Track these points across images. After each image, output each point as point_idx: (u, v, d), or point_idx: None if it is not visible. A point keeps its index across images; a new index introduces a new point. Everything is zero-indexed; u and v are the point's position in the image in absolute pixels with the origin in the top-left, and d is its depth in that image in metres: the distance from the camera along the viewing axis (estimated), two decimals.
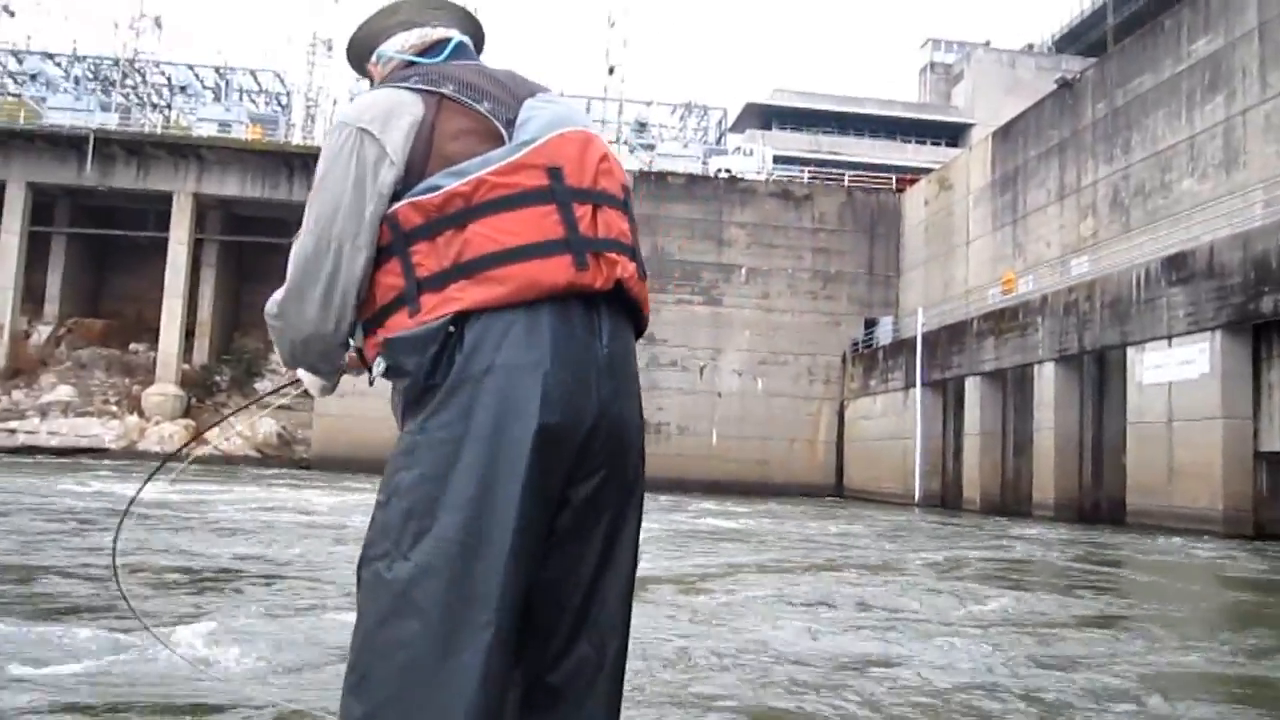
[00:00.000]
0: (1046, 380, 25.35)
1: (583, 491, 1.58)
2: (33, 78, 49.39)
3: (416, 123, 1.63)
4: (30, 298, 44.65)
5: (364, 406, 36.21)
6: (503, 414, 1.50)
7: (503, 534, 1.49)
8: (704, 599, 7.31)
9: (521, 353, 1.52)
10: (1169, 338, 20.84)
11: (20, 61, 50.84)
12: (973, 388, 29.21)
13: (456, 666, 1.46)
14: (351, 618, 1.60)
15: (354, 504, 16.40)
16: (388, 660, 1.48)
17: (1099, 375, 24.79)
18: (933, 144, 55.94)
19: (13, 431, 38.46)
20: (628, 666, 1.75)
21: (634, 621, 1.74)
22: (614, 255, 1.63)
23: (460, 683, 1.46)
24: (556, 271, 1.56)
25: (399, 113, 1.63)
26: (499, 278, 1.54)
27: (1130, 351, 22.11)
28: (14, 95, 48.68)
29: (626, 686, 1.81)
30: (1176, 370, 20.55)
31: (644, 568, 8.54)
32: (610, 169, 1.69)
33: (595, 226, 1.61)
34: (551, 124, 1.65)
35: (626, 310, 1.69)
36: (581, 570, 1.61)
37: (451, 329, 1.54)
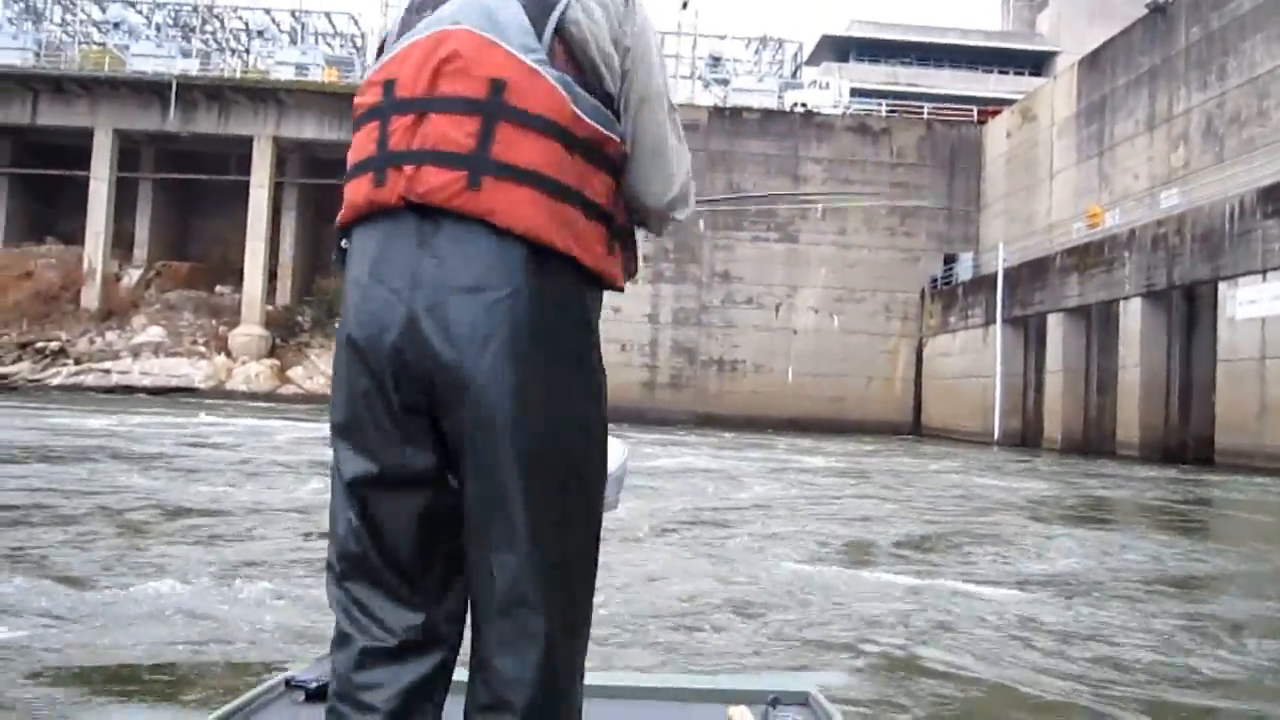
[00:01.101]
0: (1133, 316, 24.76)
1: (447, 425, 1.49)
2: (116, 26, 50.16)
3: None
4: (119, 243, 45.86)
5: None
6: (339, 327, 1.57)
7: (339, 438, 1.56)
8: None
9: (355, 268, 1.54)
10: (1264, 272, 20.18)
11: (104, 10, 51.68)
12: (1055, 324, 28.65)
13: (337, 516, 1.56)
14: None
15: None
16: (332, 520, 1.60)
17: (1188, 311, 24.15)
18: (1015, 74, 54.41)
19: (107, 372, 39.77)
20: None
21: None
22: (413, 167, 1.50)
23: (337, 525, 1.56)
24: (358, 190, 1.55)
25: None
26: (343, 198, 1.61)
27: (1222, 286, 21.48)
28: (99, 44, 49.60)
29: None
30: (1271, 305, 19.93)
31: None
32: (460, 68, 1.51)
33: (410, 138, 1.51)
34: (429, 25, 1.56)
35: (492, 228, 1.50)
36: (469, 517, 1.51)
37: (344, 243, 1.62)
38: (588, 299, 1.57)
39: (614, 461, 1.80)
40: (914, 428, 37.47)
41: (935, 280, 38.72)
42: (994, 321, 32.09)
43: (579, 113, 1.52)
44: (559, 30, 1.54)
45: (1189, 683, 4.16)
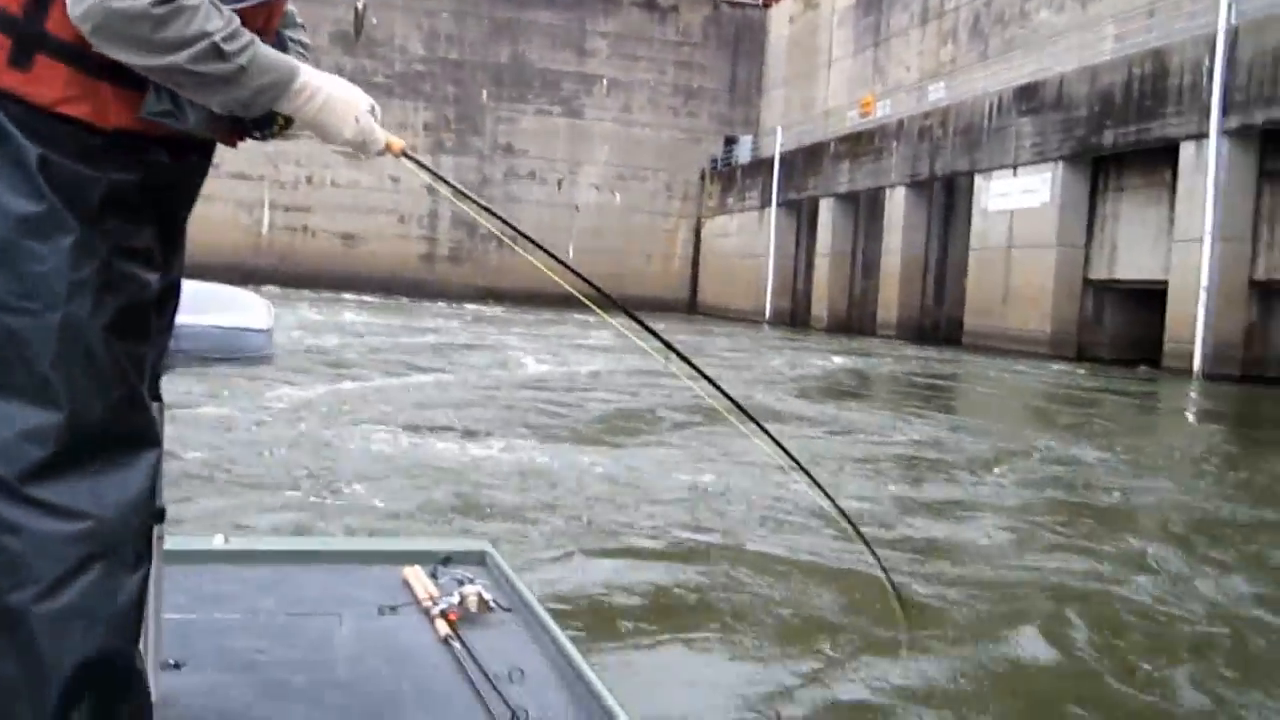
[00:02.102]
0: (897, 204, 26.04)
1: None
2: None
3: None
4: None
5: (208, 211, 34.82)
6: None
7: None
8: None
9: None
10: (1014, 167, 21.57)
11: None
12: (826, 209, 29.80)
13: None
14: None
15: None
16: None
17: (947, 201, 25.59)
18: None
19: None
20: None
21: None
22: None
23: None
24: None
25: None
26: None
27: (978, 179, 22.83)
28: None
29: None
30: (1019, 199, 21.37)
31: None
32: None
33: None
34: None
35: None
36: None
37: None
38: (5, 115, 1.41)
39: (265, 318, 1.87)
40: (690, 306, 38.48)
41: (715, 161, 39.38)
42: (770, 204, 33.06)
43: None
44: None
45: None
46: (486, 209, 1.86)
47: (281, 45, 1.67)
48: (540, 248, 2.01)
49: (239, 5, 1.46)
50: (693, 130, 40.02)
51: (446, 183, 1.87)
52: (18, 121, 1.41)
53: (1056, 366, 17.49)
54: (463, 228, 38.16)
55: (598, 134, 39.31)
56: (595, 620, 3.40)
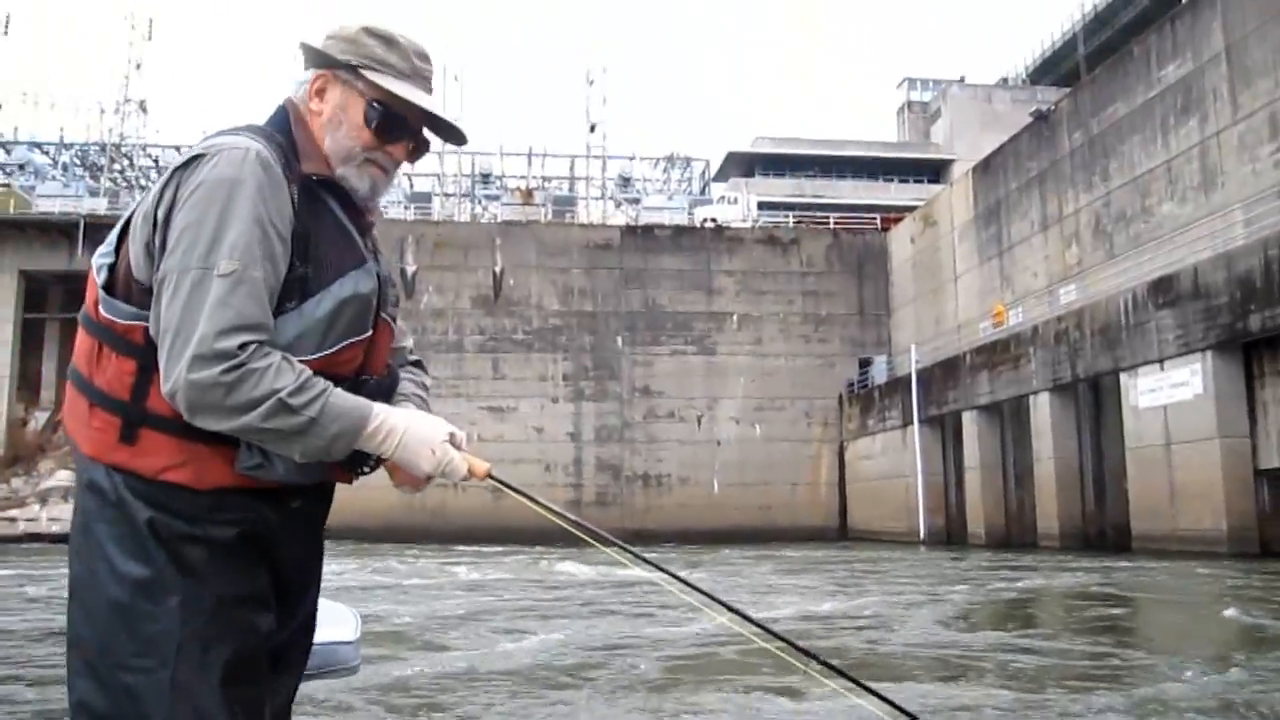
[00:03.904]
0: (1042, 410, 25.39)
1: None
2: (20, 167, 49.78)
3: None
4: (26, 385, 44.65)
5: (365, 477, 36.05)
6: None
7: None
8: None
9: None
10: (1160, 361, 20.92)
11: (8, 152, 51.32)
12: (970, 421, 29.23)
13: None
14: None
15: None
16: None
17: (1094, 402, 24.84)
18: (915, 182, 56.41)
19: (13, 520, 38.27)
20: None
21: None
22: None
23: None
24: None
25: None
26: None
27: (1123, 376, 22.18)
28: (3, 185, 49.08)
29: None
30: (1170, 393, 20.60)
31: None
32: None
33: None
34: None
35: None
36: None
37: None
38: (107, 488, 1.58)
39: (352, 630, 1.96)
40: (840, 531, 37.60)
41: (852, 384, 39.36)
42: (911, 422, 32.62)
43: (99, 299, 1.62)
44: (128, 221, 1.65)
45: None
46: (574, 521, 1.92)
47: (392, 380, 1.81)
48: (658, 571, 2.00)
49: (315, 356, 1.60)
50: (826, 355, 40.30)
51: (534, 500, 1.91)
52: (131, 489, 1.56)
53: (1243, 566, 16.25)
54: (608, 472, 38.63)
55: (732, 368, 39.91)
56: None
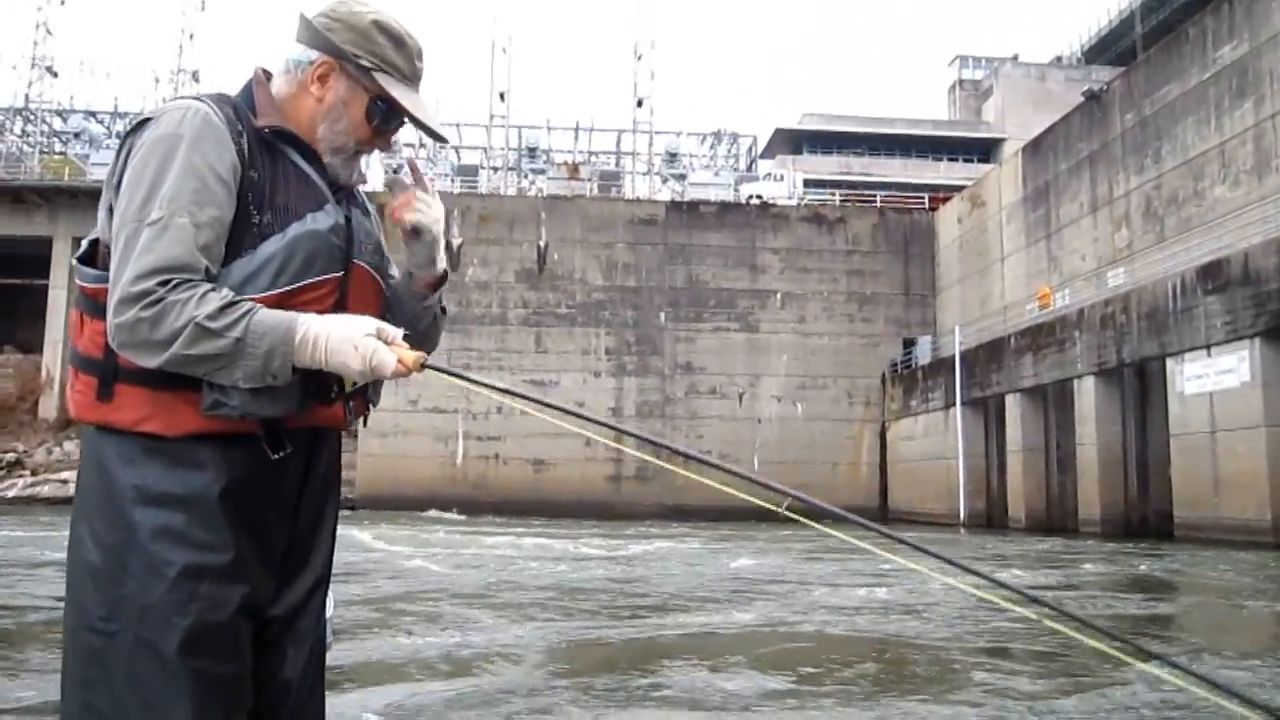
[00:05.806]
0: (1087, 394, 25.15)
1: None
2: (76, 136, 50.60)
3: None
4: None
5: (406, 445, 36.62)
6: None
7: None
8: None
9: None
10: (1208, 347, 20.64)
11: (64, 120, 52.16)
12: (1013, 404, 29.01)
13: None
14: None
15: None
16: None
17: (1140, 388, 24.57)
18: (964, 161, 55.79)
19: (65, 483, 39.19)
20: None
21: None
22: None
23: None
24: None
25: None
26: None
27: (1170, 362, 21.91)
28: (59, 153, 49.94)
29: None
30: (1217, 380, 20.34)
31: None
32: None
33: None
34: None
35: None
36: None
37: None
38: (91, 449, 1.66)
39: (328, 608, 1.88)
40: (881, 511, 37.49)
41: (895, 364, 39.15)
42: (954, 404, 32.42)
43: (77, 265, 1.70)
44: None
45: None
46: (531, 399, 1.94)
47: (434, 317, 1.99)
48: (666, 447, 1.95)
49: (267, 294, 1.63)
50: (870, 335, 40.11)
51: (475, 381, 1.85)
52: (112, 448, 1.62)
53: None
54: (648, 447, 38.61)
55: (775, 346, 39.83)
56: None
